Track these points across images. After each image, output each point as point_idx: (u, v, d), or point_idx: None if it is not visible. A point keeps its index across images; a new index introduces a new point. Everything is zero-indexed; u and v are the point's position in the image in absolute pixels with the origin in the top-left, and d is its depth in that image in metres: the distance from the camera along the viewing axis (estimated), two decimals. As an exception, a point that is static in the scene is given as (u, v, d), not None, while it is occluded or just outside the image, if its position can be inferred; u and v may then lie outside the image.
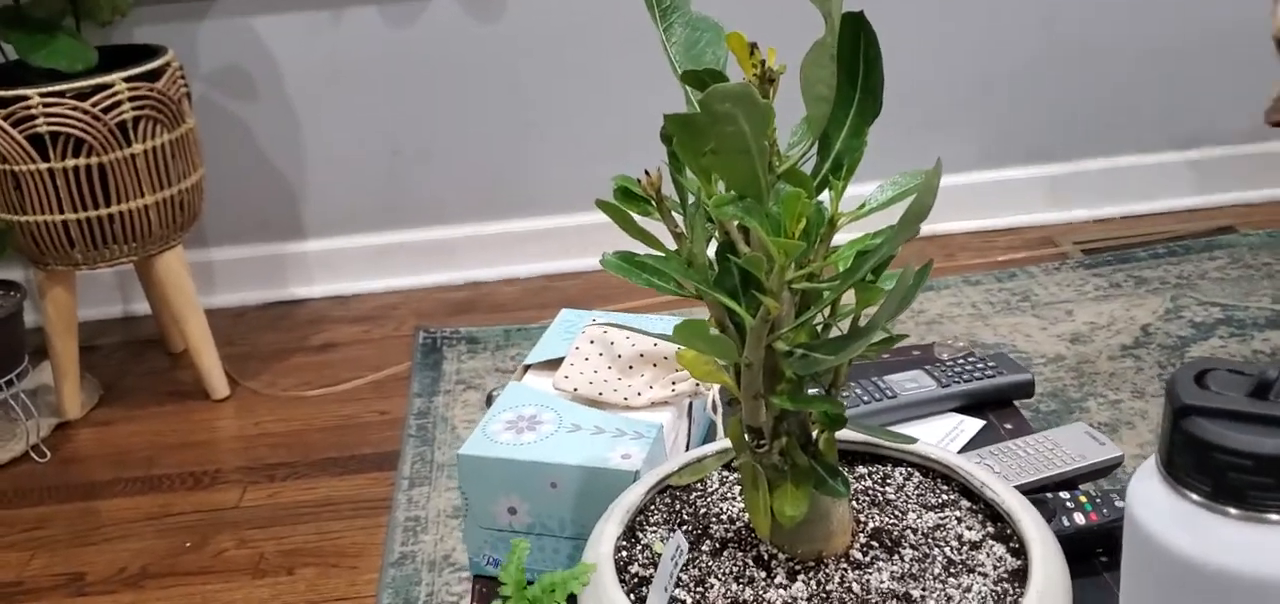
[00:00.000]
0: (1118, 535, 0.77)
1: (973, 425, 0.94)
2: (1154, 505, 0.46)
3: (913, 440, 0.65)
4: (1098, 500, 0.78)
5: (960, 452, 0.90)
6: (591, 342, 0.92)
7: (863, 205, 0.57)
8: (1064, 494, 0.79)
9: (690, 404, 0.91)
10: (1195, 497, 0.45)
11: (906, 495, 0.69)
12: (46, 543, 1.63)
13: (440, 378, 1.99)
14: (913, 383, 0.97)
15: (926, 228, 2.40)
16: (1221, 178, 2.44)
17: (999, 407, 0.98)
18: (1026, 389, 0.99)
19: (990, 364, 0.99)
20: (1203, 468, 0.44)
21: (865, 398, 0.95)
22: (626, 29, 2.18)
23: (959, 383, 0.96)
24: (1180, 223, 2.39)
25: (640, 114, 2.02)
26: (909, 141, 2.31)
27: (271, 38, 2.21)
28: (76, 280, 1.95)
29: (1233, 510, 0.44)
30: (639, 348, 0.89)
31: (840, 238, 0.58)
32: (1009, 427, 0.94)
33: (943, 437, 0.93)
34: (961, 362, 1.00)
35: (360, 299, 2.32)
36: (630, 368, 0.89)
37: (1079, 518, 0.76)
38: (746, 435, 0.60)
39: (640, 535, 0.67)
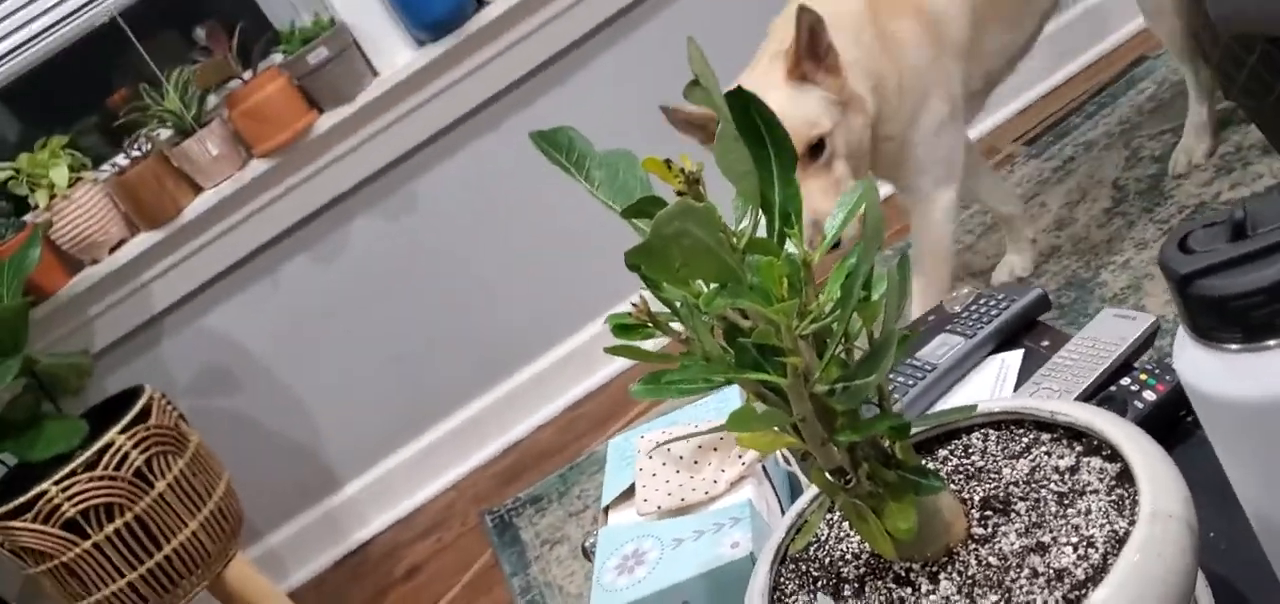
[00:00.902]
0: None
1: (1015, 359, 0.99)
2: (1202, 369, 0.51)
3: (973, 407, 0.69)
4: (1157, 372, 0.82)
5: (1017, 389, 0.94)
6: (650, 458, 0.96)
7: (824, 238, 0.63)
8: (1126, 380, 0.83)
9: (763, 465, 0.95)
10: (1233, 347, 0.50)
11: (992, 456, 0.73)
12: None
13: (524, 548, 2.00)
14: (943, 347, 1.01)
15: (883, 191, 2.47)
16: (1115, 16, 2.52)
17: (1028, 330, 1.02)
18: (1043, 303, 1.03)
19: (1001, 296, 1.04)
20: (1227, 321, 0.48)
21: (909, 383, 1.00)
22: (534, 176, 2.23)
23: (983, 326, 1.01)
24: (1096, 74, 2.47)
25: (583, 233, 2.07)
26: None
27: (225, 325, 2.26)
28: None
29: (1272, 342, 0.49)
30: (695, 441, 0.93)
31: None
32: (1046, 343, 0.99)
33: (994, 381, 0.97)
34: (976, 306, 1.05)
35: (418, 513, 2.34)
36: (696, 463, 0.93)
37: (1148, 395, 0.81)
38: (830, 477, 0.64)
39: (782, 611, 0.70)
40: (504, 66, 2.13)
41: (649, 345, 0.63)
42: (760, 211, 0.61)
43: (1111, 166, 2.14)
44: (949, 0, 1.67)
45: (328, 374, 2.30)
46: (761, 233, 0.60)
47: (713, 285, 0.57)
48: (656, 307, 0.63)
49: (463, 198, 2.26)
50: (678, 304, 0.61)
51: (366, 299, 2.30)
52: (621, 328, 0.63)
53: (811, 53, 1.53)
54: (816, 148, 1.54)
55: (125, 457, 1.76)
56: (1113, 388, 0.83)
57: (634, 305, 0.62)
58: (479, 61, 2.12)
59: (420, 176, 2.21)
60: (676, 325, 0.62)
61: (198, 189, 2.15)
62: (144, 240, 2.13)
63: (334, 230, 2.22)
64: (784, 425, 0.62)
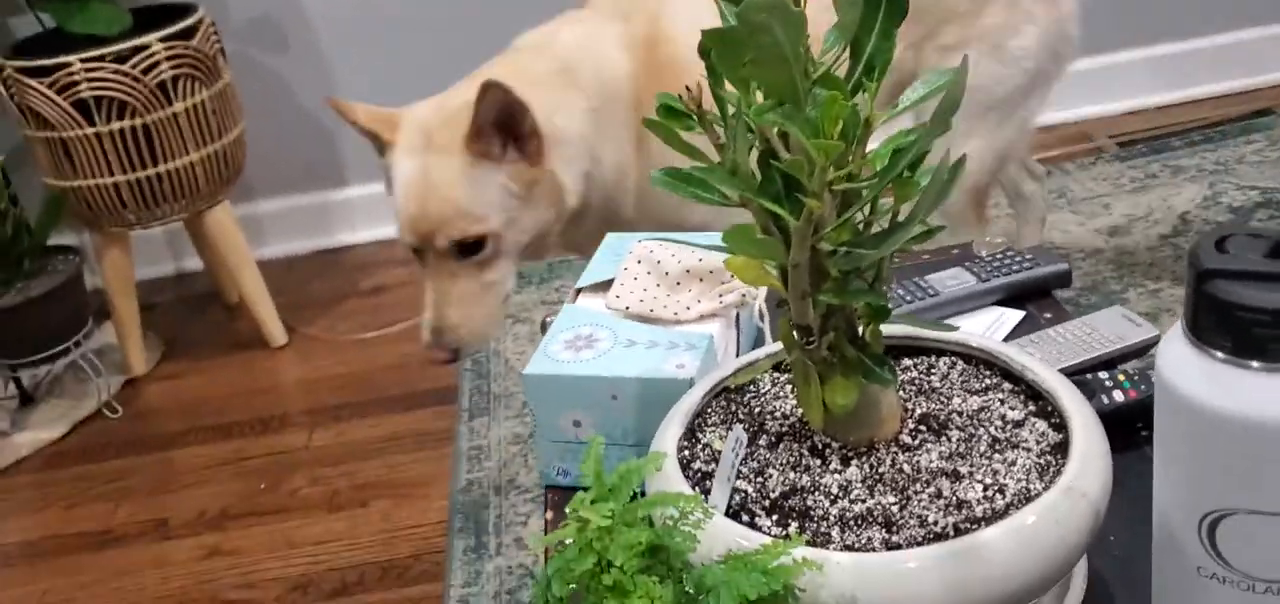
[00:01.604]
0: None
1: (1013, 317, 0.97)
2: (1182, 366, 0.50)
3: (954, 330, 0.68)
4: (1135, 378, 0.81)
5: (1002, 342, 0.93)
6: (639, 261, 0.95)
7: (897, 104, 0.60)
8: (1104, 374, 0.82)
9: (737, 314, 0.94)
10: (1220, 354, 0.48)
11: (951, 383, 0.72)
12: (129, 493, 1.72)
13: None
14: (954, 279, 1.00)
15: (960, 131, 2.41)
16: (1257, 59, 2.41)
17: (1038, 298, 1.00)
18: (1064, 279, 1.01)
19: (1028, 256, 1.02)
20: (1225, 326, 0.47)
21: (908, 297, 0.99)
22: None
23: (998, 276, 0.99)
24: (1215, 109, 2.38)
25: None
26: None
27: (299, -13, 2.24)
28: (131, 241, 2.02)
29: (1254, 364, 0.47)
30: (685, 264, 0.93)
31: (877, 138, 0.61)
32: (1048, 316, 0.97)
33: (985, 329, 0.96)
34: (1000, 257, 1.03)
35: (405, 241, 2.38)
36: (678, 284, 0.93)
37: (1118, 395, 0.80)
38: (796, 333, 0.64)
39: (700, 436, 0.71)
40: None
41: (687, 137, 0.61)
42: (849, 52, 0.58)
43: (1186, 199, 2.08)
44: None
45: (371, 75, 2.30)
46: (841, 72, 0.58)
47: (770, 101, 0.55)
48: (709, 102, 0.62)
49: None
50: (730, 108, 0.60)
51: (437, 18, 2.27)
52: (667, 109, 0.62)
53: (506, 131, 1.24)
54: (474, 244, 1.26)
55: (156, 64, 1.77)
56: (1089, 376, 0.82)
57: (687, 88, 0.61)
58: None
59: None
60: (718, 129, 0.61)
61: None
62: None
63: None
64: (776, 263, 0.61)
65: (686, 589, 0.54)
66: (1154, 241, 1.93)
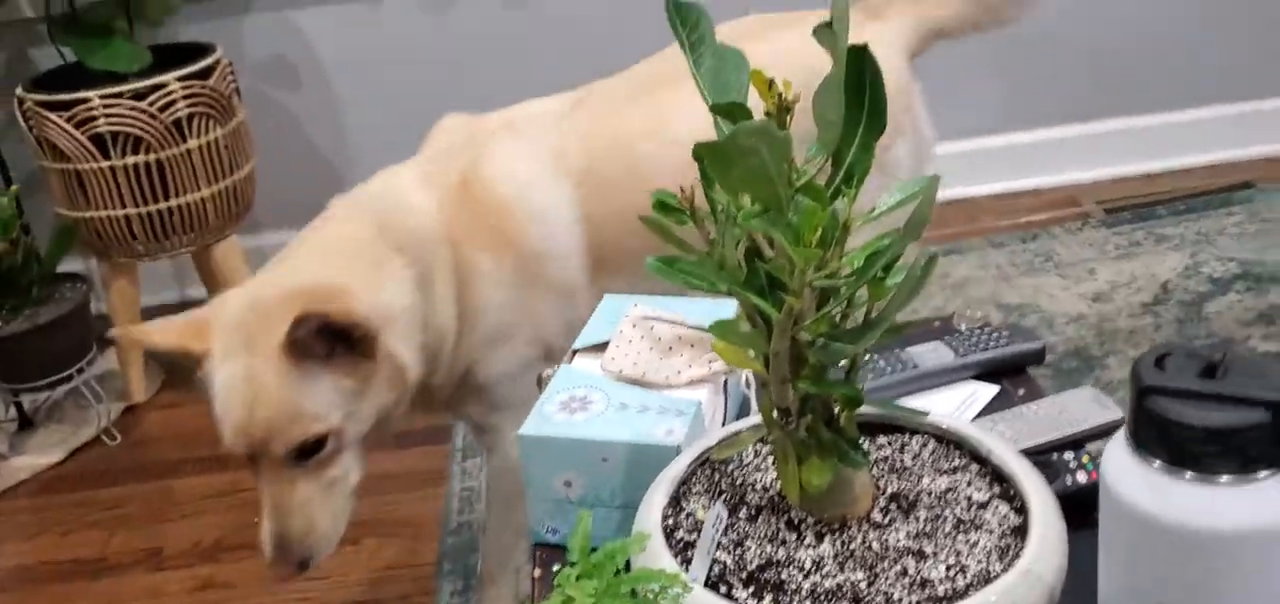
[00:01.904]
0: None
1: (987, 392, 1.02)
2: (1123, 472, 0.54)
3: (925, 414, 0.72)
4: (1099, 460, 0.85)
5: (975, 418, 0.97)
6: (634, 326, 1.00)
7: (873, 209, 0.65)
8: (1069, 454, 0.86)
9: (726, 381, 0.99)
10: (1157, 464, 0.53)
11: (922, 462, 0.77)
12: (125, 520, 1.75)
13: None
14: (932, 353, 1.04)
15: (950, 192, 2.47)
16: (1240, 133, 2.47)
17: (1013, 373, 1.05)
18: (1038, 356, 1.06)
19: (1004, 333, 1.07)
20: (1162, 439, 0.52)
21: (888, 369, 1.03)
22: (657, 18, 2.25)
23: (975, 353, 1.04)
24: (1200, 179, 2.44)
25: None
26: (933, 106, 2.37)
27: (313, 29, 2.30)
28: (138, 271, 2.06)
29: (1188, 475, 0.52)
30: (677, 331, 0.98)
31: (855, 239, 0.66)
32: (1022, 392, 1.02)
33: (959, 404, 1.01)
34: (978, 332, 1.08)
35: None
36: (670, 350, 0.97)
37: (1081, 477, 0.84)
38: (776, 414, 0.68)
39: (684, 504, 0.75)
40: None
41: (680, 232, 0.66)
42: (830, 161, 0.63)
43: (1169, 268, 2.13)
44: (552, 239, 1.31)
45: (379, 114, 2.35)
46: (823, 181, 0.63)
47: (756, 207, 0.60)
48: (701, 201, 0.66)
49: (578, 9, 2.27)
50: (720, 207, 0.64)
51: (447, 60, 2.33)
52: (663, 205, 0.66)
53: (330, 333, 1.12)
54: (314, 445, 1.14)
55: (172, 103, 1.82)
56: (1054, 455, 0.86)
57: (681, 190, 0.65)
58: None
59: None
60: (709, 225, 0.66)
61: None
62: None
63: (456, -12, 2.25)
64: (758, 351, 0.66)
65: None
66: (1135, 309, 1.98)
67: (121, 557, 1.68)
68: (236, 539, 1.70)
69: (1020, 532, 0.69)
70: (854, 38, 0.59)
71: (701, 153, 0.59)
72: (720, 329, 0.61)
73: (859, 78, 0.61)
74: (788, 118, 0.59)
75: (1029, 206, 2.44)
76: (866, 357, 0.69)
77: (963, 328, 1.14)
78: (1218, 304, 1.95)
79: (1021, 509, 0.71)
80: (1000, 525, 0.70)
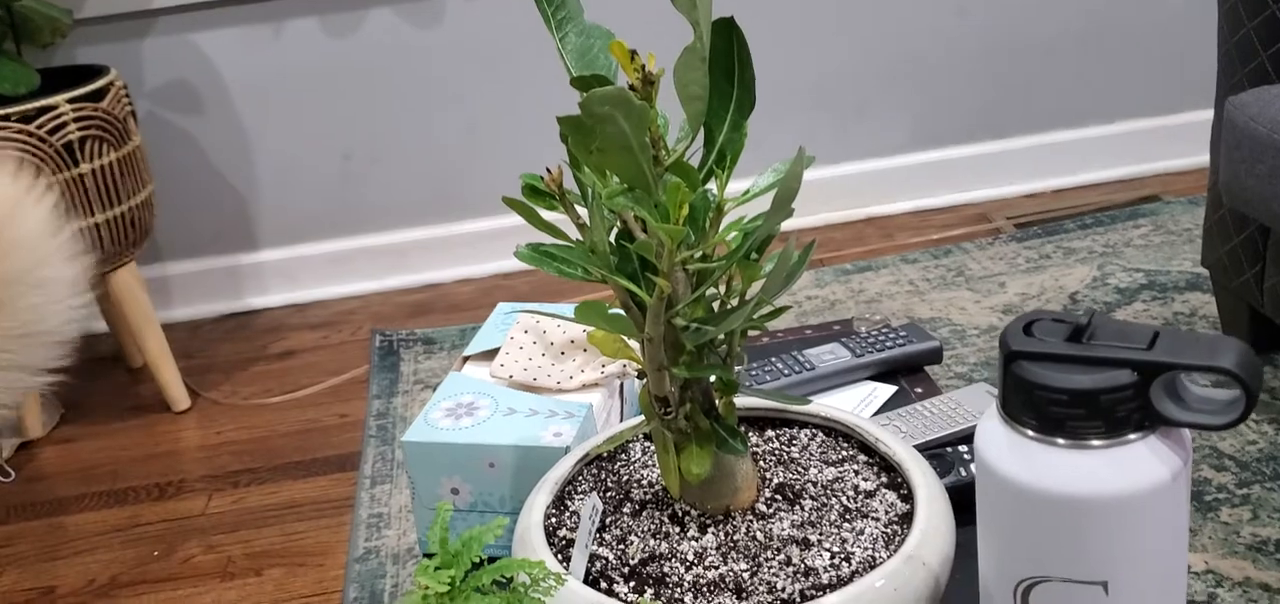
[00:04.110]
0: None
1: (885, 391, 1.01)
2: (995, 442, 0.53)
3: (807, 401, 0.71)
4: (991, 451, 0.85)
5: (873, 416, 0.97)
6: (525, 331, 0.98)
7: (746, 192, 0.64)
8: (963, 448, 0.86)
9: (621, 385, 0.97)
10: (1029, 432, 0.52)
11: (810, 454, 0.75)
12: (15, 559, 1.66)
13: (398, 379, 2.04)
14: (830, 354, 1.04)
15: (866, 210, 2.49)
16: (1145, 148, 2.54)
17: (911, 372, 1.05)
18: (935, 355, 1.06)
19: (902, 334, 1.06)
20: (1030, 406, 0.51)
21: (785, 371, 1.02)
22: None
23: (872, 352, 1.03)
24: (1107, 194, 2.49)
25: (553, 108, 2.07)
26: (842, 127, 2.39)
27: (214, 52, 2.25)
28: (34, 302, 1.98)
29: (1059, 441, 0.51)
30: (569, 335, 0.95)
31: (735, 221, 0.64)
32: (919, 390, 1.01)
33: (857, 403, 1.00)
34: (876, 333, 1.07)
35: (317, 306, 2.35)
36: (562, 354, 0.95)
37: (974, 469, 0.83)
38: (655, 404, 0.66)
39: (569, 504, 0.73)
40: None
41: (550, 217, 0.64)
42: (702, 141, 0.62)
43: (1077, 279, 2.17)
44: None
45: (285, 140, 2.30)
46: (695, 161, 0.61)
47: (622, 185, 0.58)
48: (571, 184, 0.65)
49: (486, 31, 2.25)
50: (588, 187, 0.63)
51: (352, 85, 2.29)
52: (531, 190, 0.64)
53: None
54: None
55: (63, 126, 1.76)
56: (949, 450, 0.86)
57: (548, 171, 0.63)
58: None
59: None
60: (580, 209, 0.64)
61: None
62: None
63: (354, 9, 2.21)
64: (633, 337, 0.64)
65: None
66: (1045, 320, 2.00)
67: (12, 597, 1.60)
68: (132, 575, 1.63)
69: (907, 519, 0.68)
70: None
71: (565, 128, 0.57)
72: (586, 311, 0.59)
73: (728, 50, 0.60)
74: (651, 90, 0.57)
75: (942, 222, 2.47)
76: (740, 350, 0.67)
77: (862, 330, 1.13)
78: (1125, 313, 1.98)
79: (908, 497, 0.70)
80: (887, 513, 0.69)
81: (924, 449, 0.88)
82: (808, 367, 1.02)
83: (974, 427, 0.91)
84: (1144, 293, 2.07)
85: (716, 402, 0.67)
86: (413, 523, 1.62)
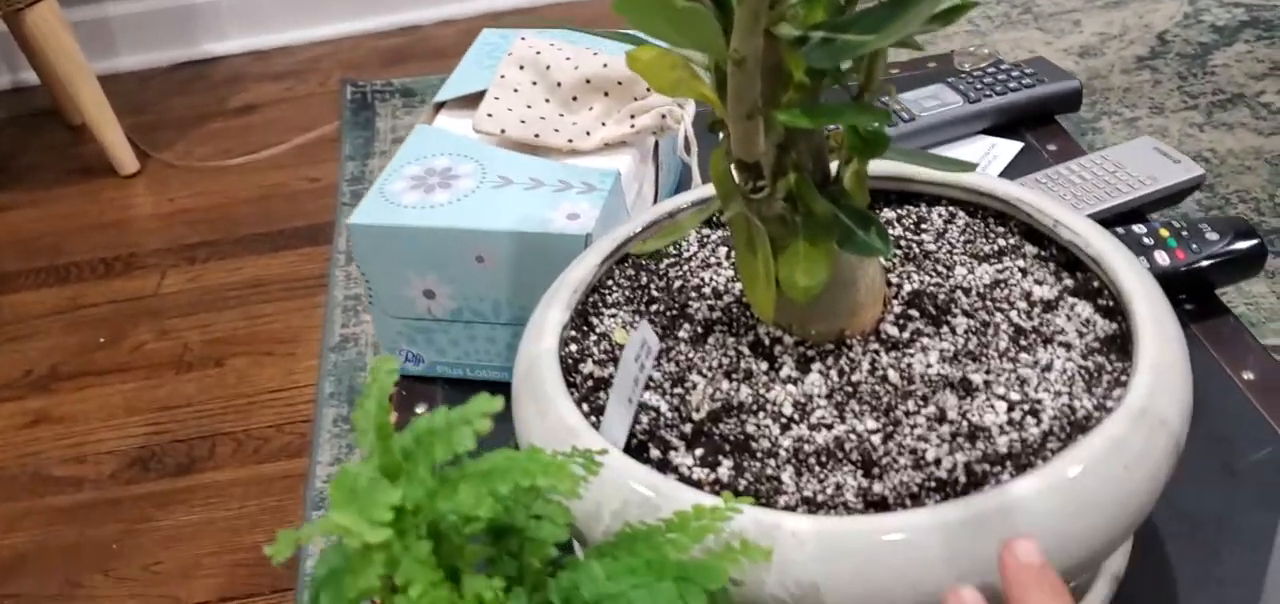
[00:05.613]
0: (1208, 278, 0.60)
1: (1009, 149, 0.76)
2: None
3: (970, 166, 0.46)
4: (1185, 234, 0.60)
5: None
6: (521, 67, 0.71)
7: None
8: (1140, 228, 0.62)
9: (656, 143, 0.71)
10: None
11: (950, 244, 0.51)
12: (-60, 347, 1.46)
13: (374, 137, 1.80)
14: (933, 99, 0.78)
15: None
16: None
17: (1038, 125, 0.79)
18: (1073, 100, 0.80)
19: (1027, 72, 0.80)
20: None
21: (873, 122, 0.76)
22: None
23: (990, 96, 0.78)
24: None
25: None
26: None
27: None
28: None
29: None
30: (584, 71, 0.69)
31: None
32: (1053, 148, 0.76)
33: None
34: (990, 71, 0.81)
35: (281, 53, 2.09)
36: (574, 99, 0.69)
37: (1162, 257, 0.59)
38: (737, 174, 0.41)
39: (596, 322, 0.49)
40: None
41: None
42: None
43: (1165, 16, 1.88)
44: None
45: None
46: None
47: None
48: None
49: None
50: None
51: None
52: None
53: None
54: None
55: None
56: (1120, 231, 0.61)
57: None
58: None
59: None
60: None
61: None
62: None
63: None
64: (708, 60, 0.38)
65: (550, 600, 0.32)
66: (1129, 64, 1.73)
67: (-65, 391, 1.40)
68: (75, 365, 1.43)
69: (1115, 346, 0.44)
70: None
71: None
72: (632, 4, 0.33)
73: None
74: None
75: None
76: (884, 80, 0.41)
77: (967, 67, 0.87)
78: (1224, 56, 1.71)
79: (1110, 310, 0.46)
80: (1082, 337, 0.45)
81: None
82: (904, 117, 0.76)
83: (1146, 196, 0.66)
84: (1246, 31, 1.78)
85: (838, 169, 0.42)
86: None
